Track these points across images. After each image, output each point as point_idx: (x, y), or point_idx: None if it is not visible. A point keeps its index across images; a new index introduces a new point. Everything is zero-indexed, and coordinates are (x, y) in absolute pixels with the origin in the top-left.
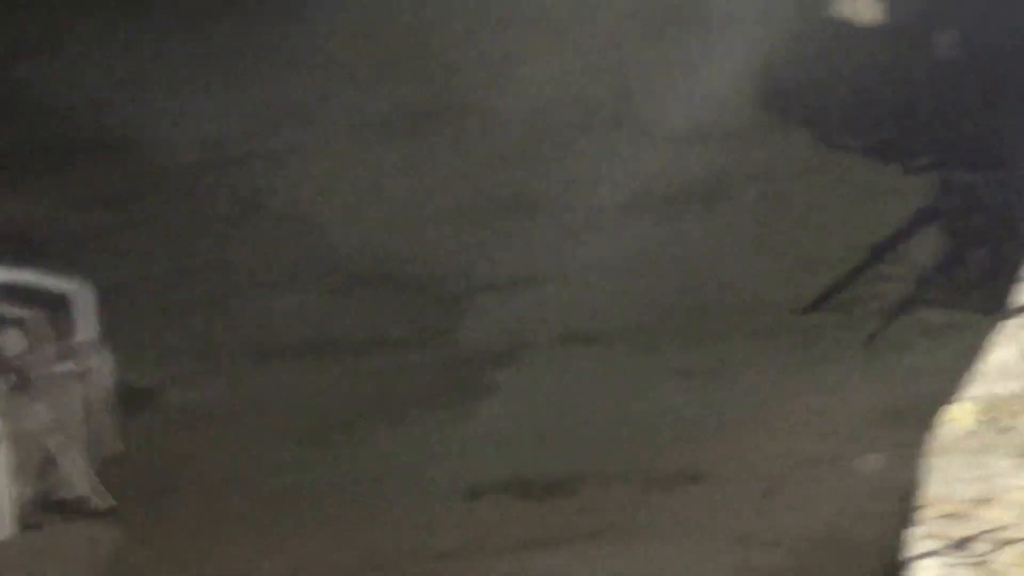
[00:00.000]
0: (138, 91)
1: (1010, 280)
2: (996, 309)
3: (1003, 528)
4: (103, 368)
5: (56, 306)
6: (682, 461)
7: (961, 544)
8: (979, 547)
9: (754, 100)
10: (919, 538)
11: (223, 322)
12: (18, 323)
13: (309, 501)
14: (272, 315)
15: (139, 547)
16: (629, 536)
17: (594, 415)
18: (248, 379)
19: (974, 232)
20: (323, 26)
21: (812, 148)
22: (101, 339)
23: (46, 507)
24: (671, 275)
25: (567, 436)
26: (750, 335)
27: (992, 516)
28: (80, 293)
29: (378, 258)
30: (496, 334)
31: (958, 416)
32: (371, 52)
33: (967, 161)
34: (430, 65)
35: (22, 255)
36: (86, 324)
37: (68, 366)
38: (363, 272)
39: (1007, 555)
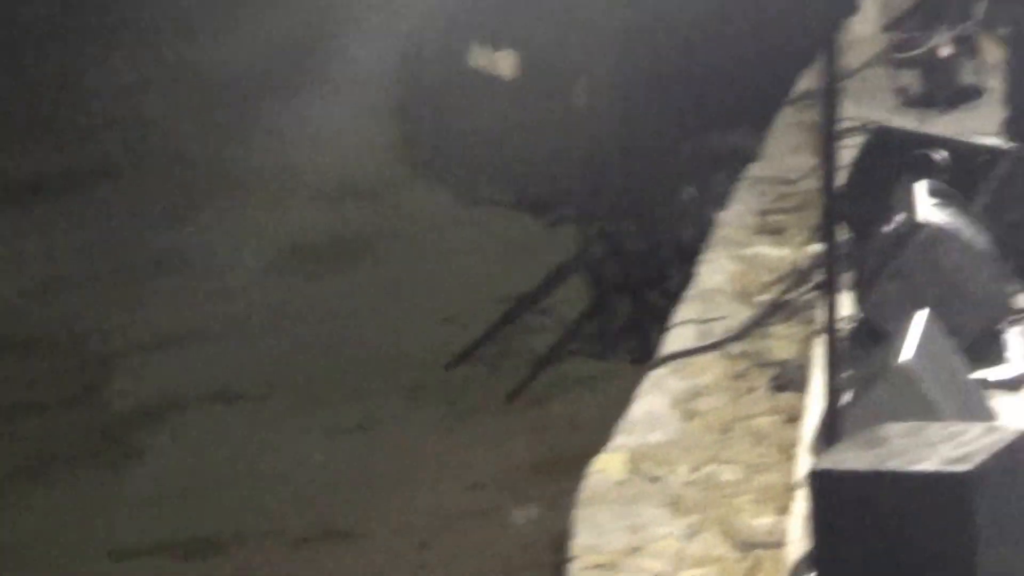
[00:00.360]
0: None
1: (656, 329)
2: (643, 358)
3: None
4: None
5: None
6: (334, 518)
7: None
8: None
9: (394, 155)
10: None
11: None
12: None
13: None
14: None
15: None
16: None
17: (244, 474)
18: None
19: (618, 281)
20: None
21: (454, 202)
22: None
23: None
24: (318, 332)
25: (217, 495)
26: (398, 391)
27: (642, 565)
28: None
29: (22, 322)
30: (143, 395)
31: (607, 466)
32: (9, 115)
33: (609, 210)
34: (68, 129)
35: None
36: None
37: None
38: (6, 337)
39: None
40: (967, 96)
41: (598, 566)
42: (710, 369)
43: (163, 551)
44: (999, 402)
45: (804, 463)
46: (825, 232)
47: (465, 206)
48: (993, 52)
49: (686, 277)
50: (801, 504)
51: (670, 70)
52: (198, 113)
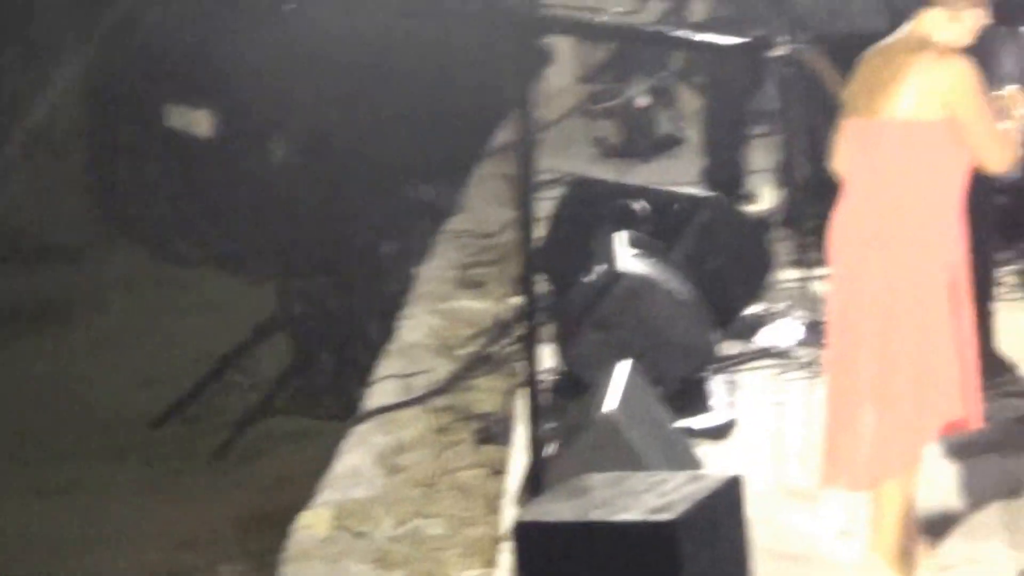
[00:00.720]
0: None
1: (358, 385)
2: (346, 414)
3: None
4: None
5: None
6: None
7: None
8: None
9: (91, 215)
10: None
11: None
12: None
13: None
14: None
15: None
16: None
17: None
18: None
19: (320, 338)
20: None
21: (152, 261)
22: None
23: None
24: (19, 395)
25: None
26: (102, 452)
27: None
28: None
29: None
30: None
31: (313, 522)
32: None
33: (309, 266)
34: None
35: None
36: None
37: None
38: None
39: None
40: (666, 145)
41: None
42: (413, 424)
43: None
44: (704, 450)
45: (509, 516)
46: (525, 284)
47: (164, 265)
48: (690, 101)
49: (387, 332)
50: (508, 557)
51: (366, 125)
52: None
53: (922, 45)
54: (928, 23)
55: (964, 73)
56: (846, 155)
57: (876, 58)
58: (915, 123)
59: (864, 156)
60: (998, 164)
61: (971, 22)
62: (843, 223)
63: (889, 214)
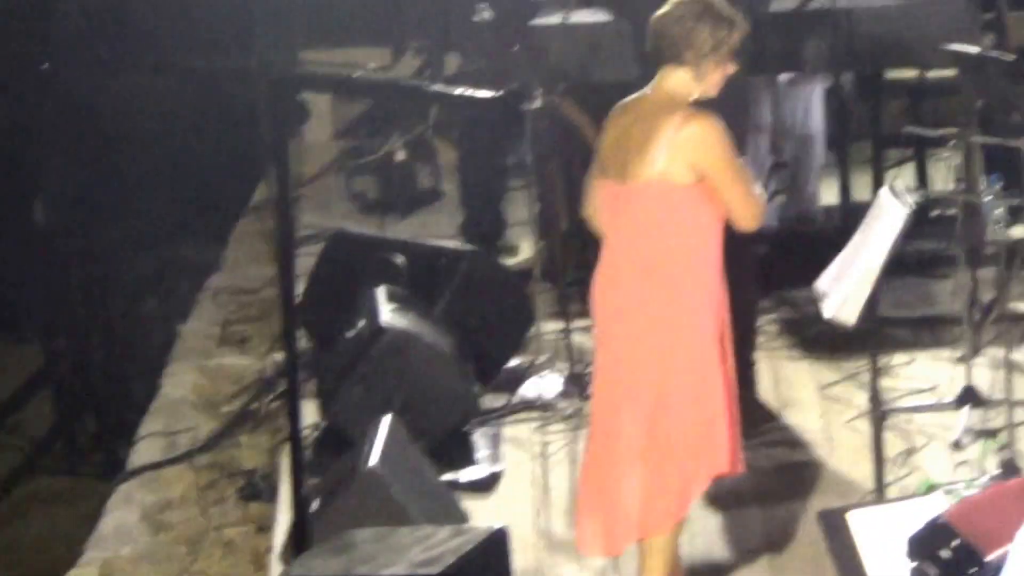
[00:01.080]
0: None
1: (123, 443)
2: (111, 473)
3: None
4: None
5: None
6: None
7: None
8: None
9: None
10: None
11: None
12: None
13: None
14: None
15: None
16: None
17: None
18: None
19: (83, 397)
20: None
21: None
22: None
23: None
24: None
25: None
26: None
27: None
28: None
29: None
30: None
31: None
32: None
33: (72, 327)
34: None
35: None
36: None
37: None
38: None
39: None
40: (425, 199)
41: None
42: (179, 481)
43: None
44: (469, 503)
45: (276, 572)
46: (287, 340)
47: None
48: (448, 155)
49: (151, 389)
50: None
51: (125, 184)
52: None
53: (669, 105)
54: (674, 80)
55: (710, 135)
56: (602, 214)
57: (624, 117)
58: (666, 184)
59: (620, 217)
60: (748, 221)
61: (717, 77)
62: (604, 281)
63: (648, 272)
